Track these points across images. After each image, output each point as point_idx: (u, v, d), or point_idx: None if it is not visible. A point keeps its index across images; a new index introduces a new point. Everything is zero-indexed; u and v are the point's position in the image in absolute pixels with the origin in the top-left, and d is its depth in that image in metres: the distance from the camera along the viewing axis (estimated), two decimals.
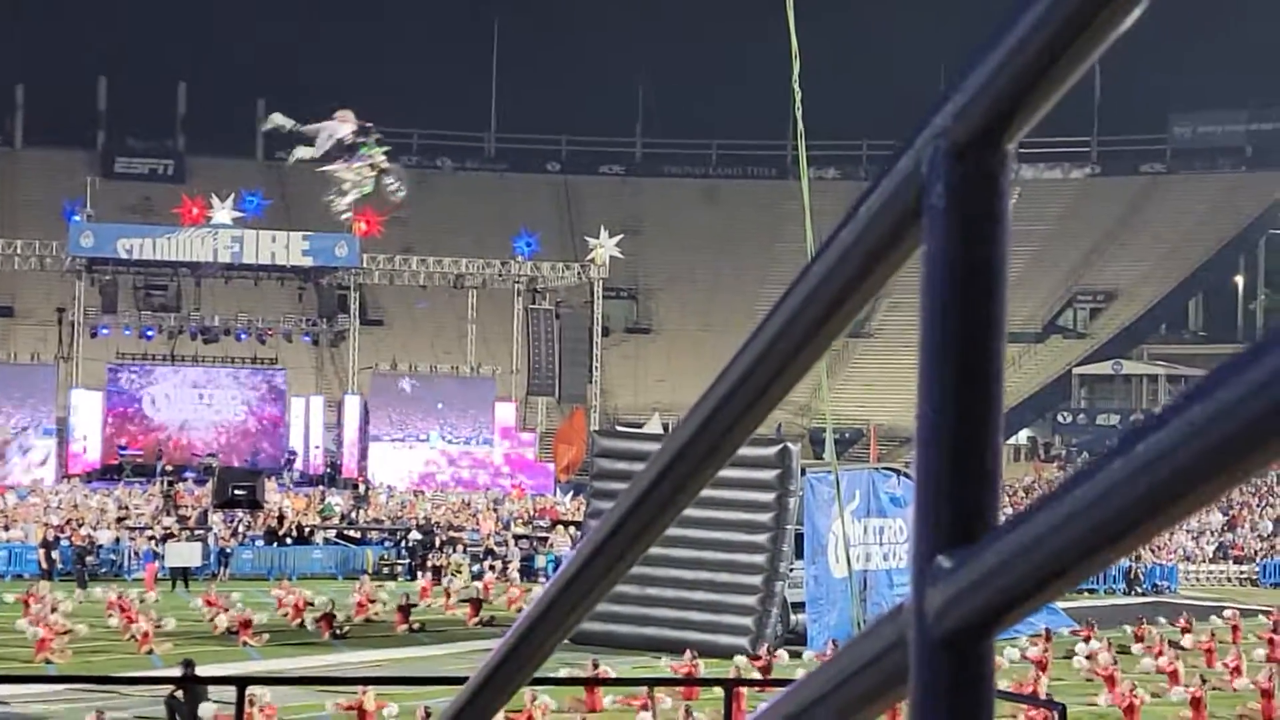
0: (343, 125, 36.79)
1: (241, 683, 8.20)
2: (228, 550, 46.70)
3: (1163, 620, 35.50)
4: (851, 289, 1.40)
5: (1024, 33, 1.18)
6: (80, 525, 47.58)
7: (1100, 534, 1.10)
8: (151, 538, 45.41)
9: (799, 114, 18.76)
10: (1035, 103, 1.21)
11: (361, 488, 60.46)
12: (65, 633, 31.97)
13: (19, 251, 66.61)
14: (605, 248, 69.82)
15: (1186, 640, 33.73)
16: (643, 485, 1.76)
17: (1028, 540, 1.16)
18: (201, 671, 25.61)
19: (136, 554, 45.22)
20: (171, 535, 45.87)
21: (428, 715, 21.77)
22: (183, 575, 43.45)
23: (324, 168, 37.32)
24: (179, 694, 24.45)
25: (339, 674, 29.22)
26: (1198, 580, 51.48)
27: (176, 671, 25.43)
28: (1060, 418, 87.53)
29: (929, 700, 1.25)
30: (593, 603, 2.02)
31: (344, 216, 40.89)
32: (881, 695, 1.38)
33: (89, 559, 43.47)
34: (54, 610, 33.49)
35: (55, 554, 43.87)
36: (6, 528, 47.47)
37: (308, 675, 28.23)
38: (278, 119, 38.85)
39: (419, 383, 68.96)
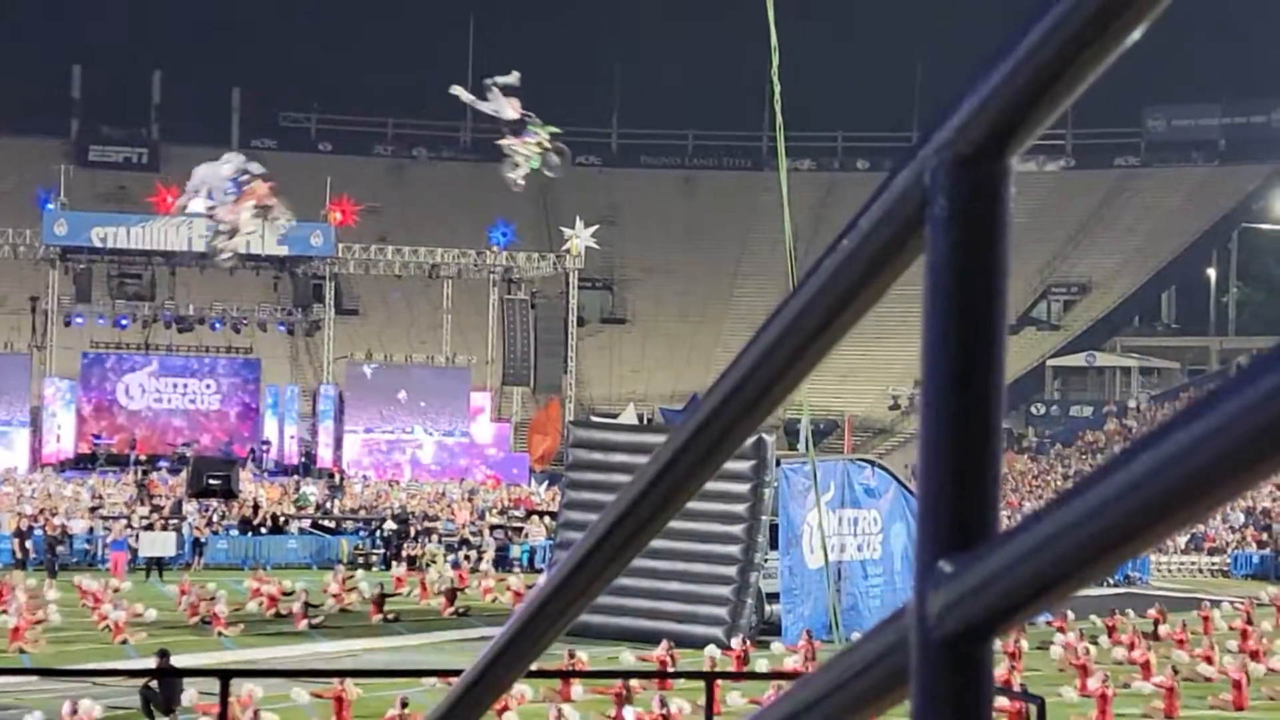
0: (510, 109, 37.82)
1: (225, 675, 8.21)
2: (202, 540, 46.64)
3: (1132, 612, 35.62)
4: (853, 295, 1.42)
5: (1028, 47, 1.20)
6: (54, 515, 47.47)
7: (1098, 543, 1.11)
8: (129, 527, 45.30)
9: (778, 107, 18.79)
10: (1037, 116, 1.23)
11: (336, 477, 60.42)
12: (38, 622, 31.91)
13: None
14: (581, 238, 69.82)
15: (1160, 631, 33.90)
16: (641, 484, 1.79)
17: (1028, 547, 1.18)
18: (176, 661, 25.58)
19: (109, 544, 45.16)
20: (151, 526, 45.76)
21: (404, 706, 21.77)
22: (157, 565, 43.37)
23: (499, 141, 38.53)
24: (154, 684, 24.43)
25: (316, 664, 29.23)
26: (1170, 571, 51.69)
27: (151, 661, 25.40)
28: (1034, 409, 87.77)
29: (929, 701, 1.28)
30: (587, 601, 2.04)
31: (517, 187, 41.96)
32: (882, 696, 1.40)
33: (59, 548, 43.34)
34: (31, 598, 33.41)
35: (29, 543, 43.78)
36: None
37: (289, 668, 28.19)
38: (458, 91, 40.22)
39: (393, 372, 68.89)
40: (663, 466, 1.75)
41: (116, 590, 36.76)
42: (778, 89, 17.81)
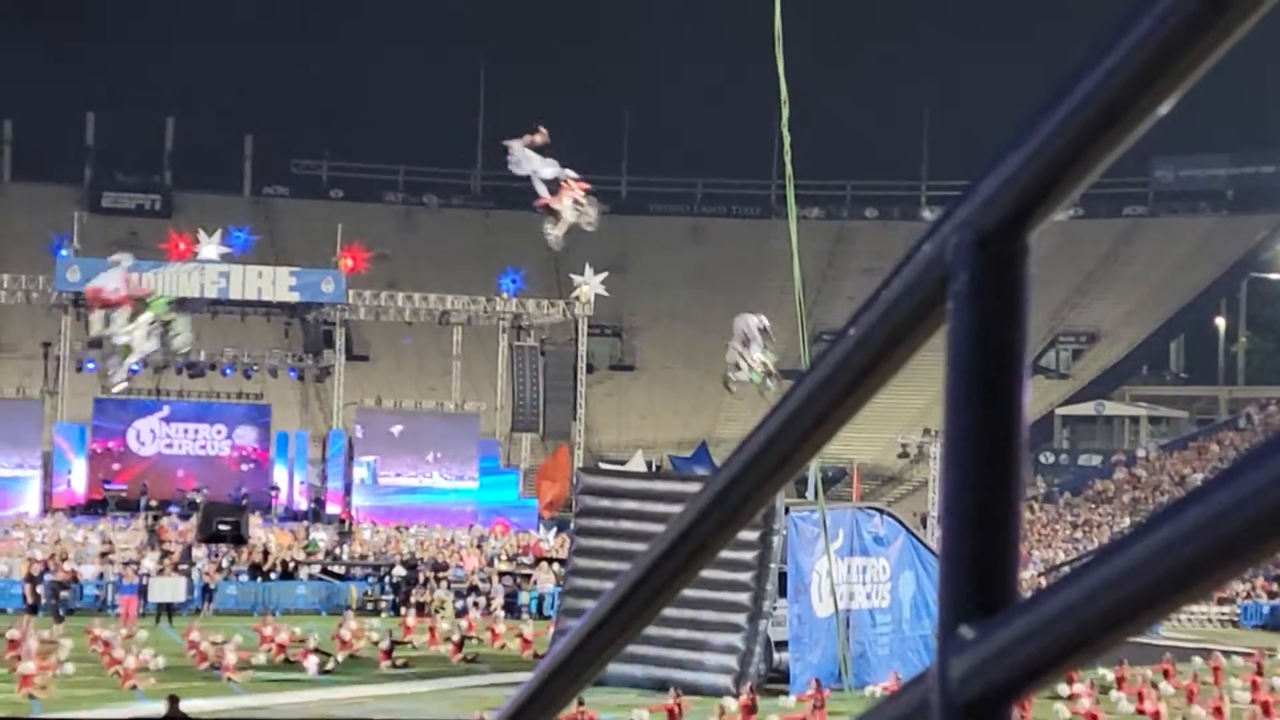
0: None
1: None
2: (212, 585, 46.64)
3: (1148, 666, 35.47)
4: (875, 366, 1.46)
5: (1049, 129, 1.24)
6: (64, 560, 47.50)
7: (1119, 612, 1.12)
8: (139, 573, 45.31)
9: (789, 158, 18.86)
10: (1057, 196, 1.27)
11: (345, 523, 60.40)
12: (47, 668, 31.88)
13: (5, 286, 66.58)
14: (590, 285, 69.96)
15: (1168, 683, 33.76)
16: (662, 546, 1.82)
17: (1048, 615, 1.21)
18: (186, 707, 25.56)
19: (120, 589, 45.17)
20: (161, 572, 45.76)
21: None
22: (167, 610, 43.37)
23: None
24: None
25: (325, 712, 29.20)
26: (1179, 622, 51.53)
27: (161, 707, 25.38)
28: (1043, 458, 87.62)
29: None
30: (605, 662, 2.07)
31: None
32: None
33: (63, 593, 43.36)
34: (43, 644, 33.37)
35: (39, 589, 43.80)
36: None
37: (298, 715, 28.18)
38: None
39: (402, 418, 68.94)
40: (685, 528, 1.78)
41: (129, 636, 36.71)
42: (788, 140, 17.88)
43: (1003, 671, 1.27)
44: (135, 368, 59.30)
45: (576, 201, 37.61)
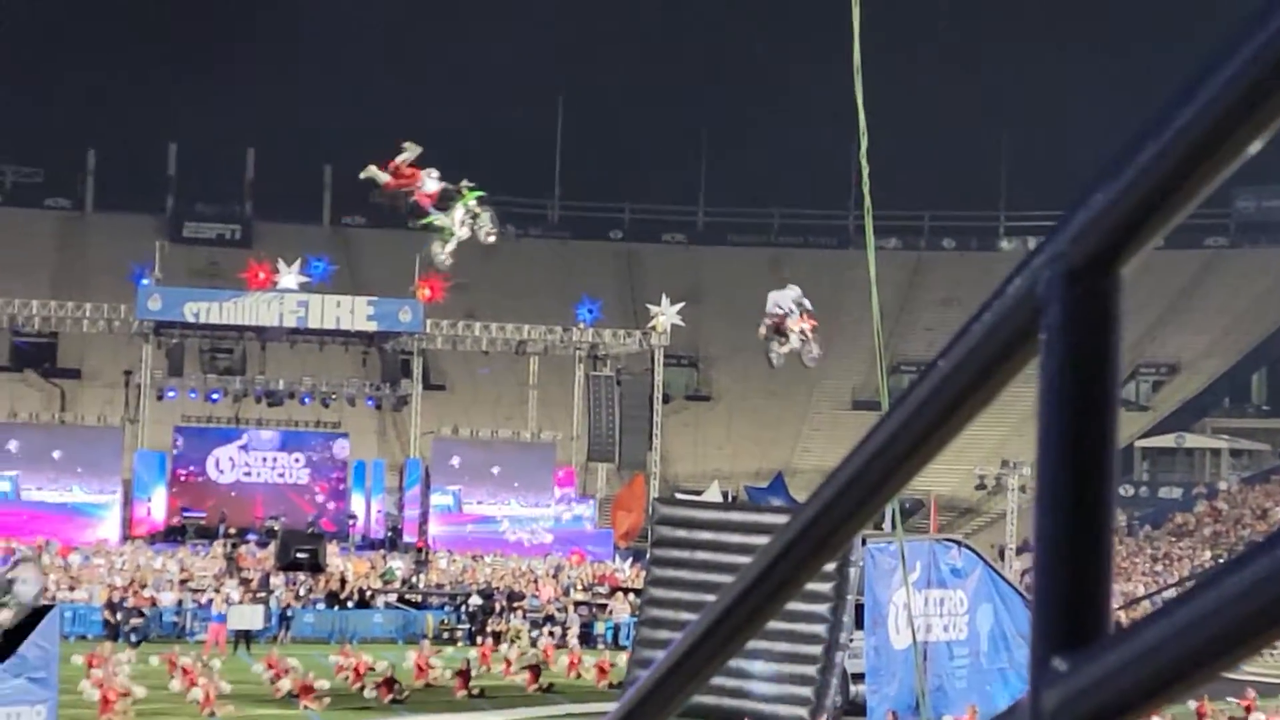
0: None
1: None
2: (289, 613, 46.90)
3: (1230, 699, 35.12)
4: (962, 401, 1.47)
5: (1143, 163, 1.25)
6: (143, 587, 47.93)
7: (1215, 646, 1.12)
8: (220, 598, 45.67)
9: (866, 189, 18.83)
10: (1150, 230, 1.28)
11: (422, 552, 60.61)
12: (126, 694, 32.09)
13: (88, 314, 67.31)
14: (667, 315, 70.04)
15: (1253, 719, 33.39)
16: (747, 580, 1.83)
17: (1143, 647, 1.21)
18: None
19: (198, 616, 45.54)
20: (240, 600, 46.09)
21: None
22: (245, 638, 43.65)
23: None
24: None
25: None
26: (1263, 655, 50.91)
27: None
28: (1123, 490, 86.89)
29: None
30: (691, 693, 2.07)
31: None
32: None
33: (134, 620, 43.73)
34: (117, 673, 33.61)
35: (119, 615, 44.19)
36: (71, 588, 47.82)
37: None
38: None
39: (479, 447, 69.18)
40: (771, 561, 1.79)
41: (205, 665, 36.91)
42: (866, 170, 17.84)
43: (1096, 704, 1.27)
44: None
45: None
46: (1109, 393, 1.31)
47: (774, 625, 33.46)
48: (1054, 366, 1.32)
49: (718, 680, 33.03)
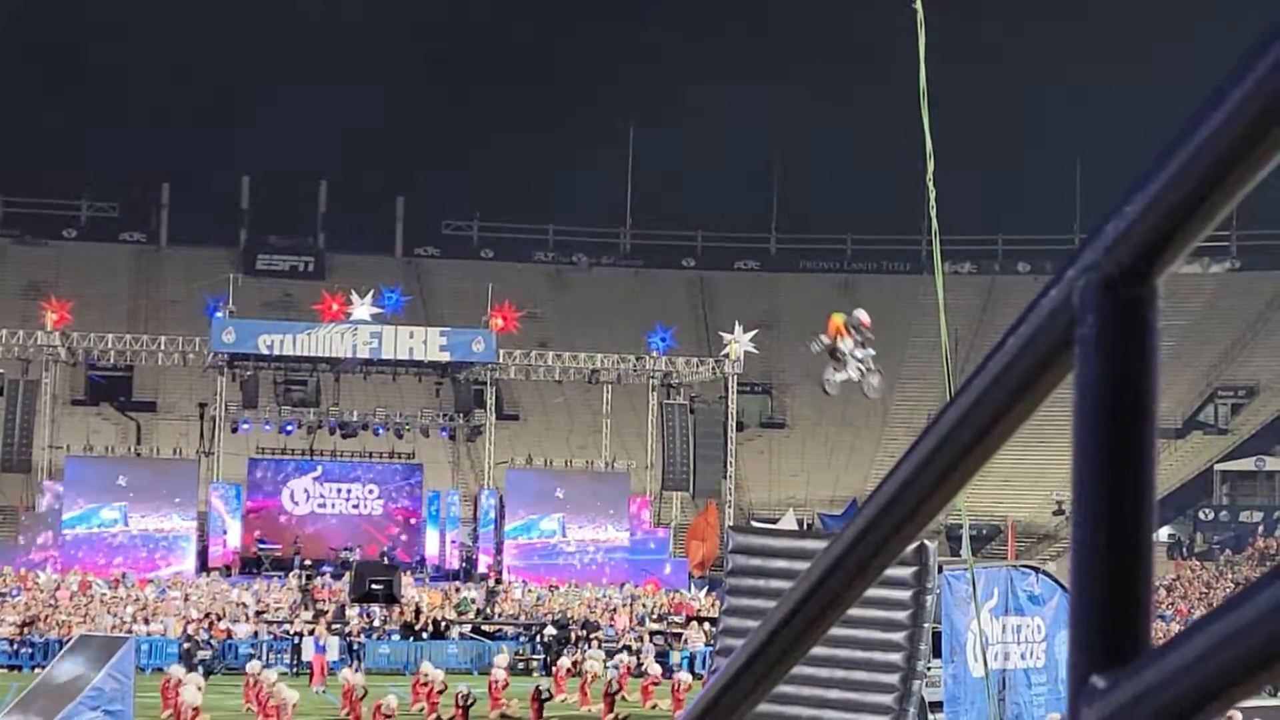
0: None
1: None
2: (356, 646, 47.04)
3: None
4: (1002, 414, 1.45)
5: (1174, 171, 1.23)
6: (219, 619, 48.20)
7: (1254, 658, 1.12)
8: (311, 632, 45.88)
9: (933, 213, 18.75)
10: (1184, 239, 1.25)
11: (497, 582, 60.68)
12: (197, 713, 32.12)
13: (163, 348, 67.88)
14: (740, 343, 69.99)
15: None
16: (790, 604, 1.81)
17: (1181, 663, 1.19)
18: None
19: (273, 648, 45.78)
20: (314, 632, 46.28)
21: None
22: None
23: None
24: None
25: None
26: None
27: None
28: (1202, 514, 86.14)
29: None
30: (744, 713, 2.05)
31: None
32: None
33: (201, 652, 44.03)
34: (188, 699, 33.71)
35: (193, 646, 44.47)
36: (147, 621, 48.12)
37: None
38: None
39: (554, 478, 69.26)
40: (819, 578, 1.78)
41: (280, 708, 36.87)
42: (933, 194, 17.76)
43: None
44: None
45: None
46: (1146, 404, 1.29)
47: (850, 654, 33.27)
48: (1089, 378, 1.30)
49: (795, 711, 32.88)
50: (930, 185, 18.42)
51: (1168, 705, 1.22)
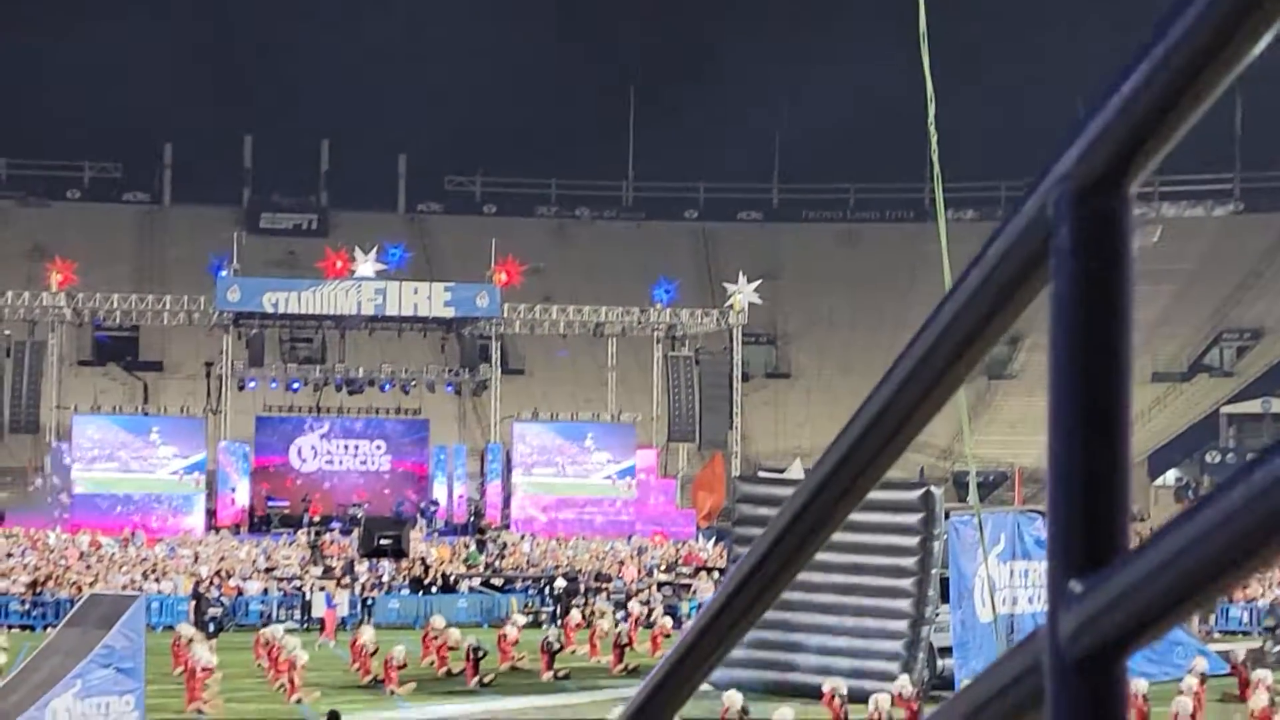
0: None
1: None
2: (372, 600, 47.18)
3: None
4: (981, 328, 1.46)
5: (1141, 77, 1.24)
6: (229, 576, 48.33)
7: (1226, 557, 1.11)
8: (321, 588, 46.03)
9: (935, 157, 18.69)
10: (1154, 146, 1.26)
11: (504, 536, 60.80)
12: (209, 671, 32.20)
13: (168, 307, 67.94)
14: (744, 294, 69.96)
15: None
16: (779, 526, 1.82)
17: (1157, 564, 1.20)
18: None
19: (283, 604, 45.94)
20: (324, 587, 46.41)
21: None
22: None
23: None
24: None
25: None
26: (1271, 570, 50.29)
27: None
28: (1209, 457, 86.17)
29: None
30: (731, 644, 2.07)
31: None
32: (1018, 718, 1.42)
33: (211, 610, 44.17)
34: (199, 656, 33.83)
35: (203, 604, 44.60)
36: (158, 579, 48.25)
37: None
38: None
39: (558, 430, 69.33)
40: (799, 508, 1.79)
41: (292, 664, 36.90)
42: (934, 138, 17.70)
43: (1114, 624, 1.26)
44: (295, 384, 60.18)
45: None
46: (1122, 313, 1.30)
47: (859, 601, 33.40)
48: (1065, 289, 1.31)
49: (805, 658, 33.02)
50: (932, 130, 18.37)
51: (1146, 605, 1.23)
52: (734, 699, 26.87)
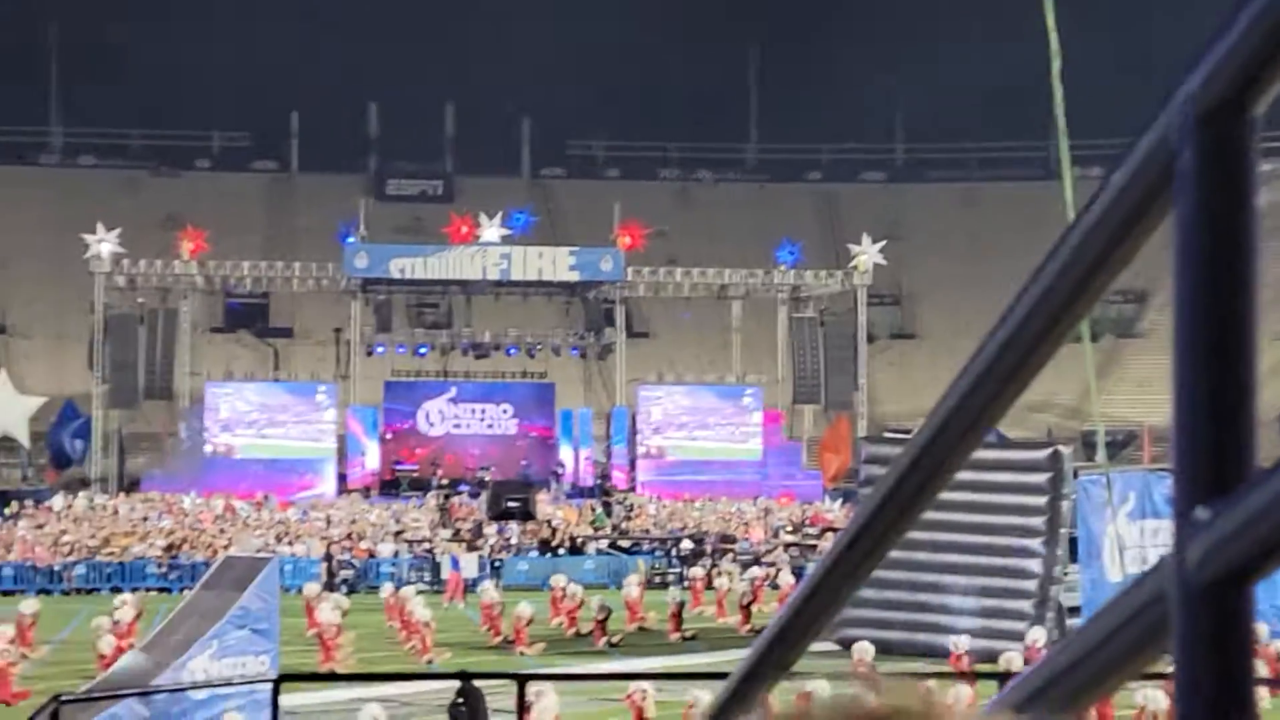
0: None
1: (521, 679, 8.42)
2: (500, 562, 47.53)
3: None
4: (1107, 254, 1.46)
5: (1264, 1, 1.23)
6: (360, 539, 48.88)
7: None
8: (430, 550, 46.41)
9: (1059, 112, 18.44)
10: (1277, 69, 1.25)
11: (631, 498, 60.97)
12: (339, 632, 32.59)
13: (297, 274, 68.67)
14: (868, 254, 69.61)
15: None
16: (913, 451, 1.83)
17: None
18: (479, 681, 25.98)
19: (413, 566, 46.42)
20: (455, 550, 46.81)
21: (691, 707, 21.88)
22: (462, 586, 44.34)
23: None
24: (462, 706, 24.94)
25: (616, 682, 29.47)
26: None
27: (454, 681, 25.89)
28: None
29: (1191, 648, 1.30)
30: (847, 595, 2.08)
31: None
32: (1144, 648, 1.42)
33: (344, 571, 44.70)
34: (332, 619, 34.23)
35: (334, 566, 45.18)
36: (290, 542, 48.88)
37: (583, 674, 28.51)
38: None
39: (684, 392, 69.40)
40: (935, 430, 1.79)
41: (423, 624, 37.13)
42: (1059, 93, 17.45)
43: (1241, 549, 1.25)
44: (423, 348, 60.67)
45: None
46: (1247, 235, 1.29)
47: (988, 561, 33.20)
48: (1188, 213, 1.30)
49: (931, 618, 32.89)
50: (1056, 84, 18.11)
51: (1270, 531, 1.22)
52: (865, 649, 26.87)
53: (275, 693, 10.77)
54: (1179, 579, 1.32)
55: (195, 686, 22.82)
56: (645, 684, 22.95)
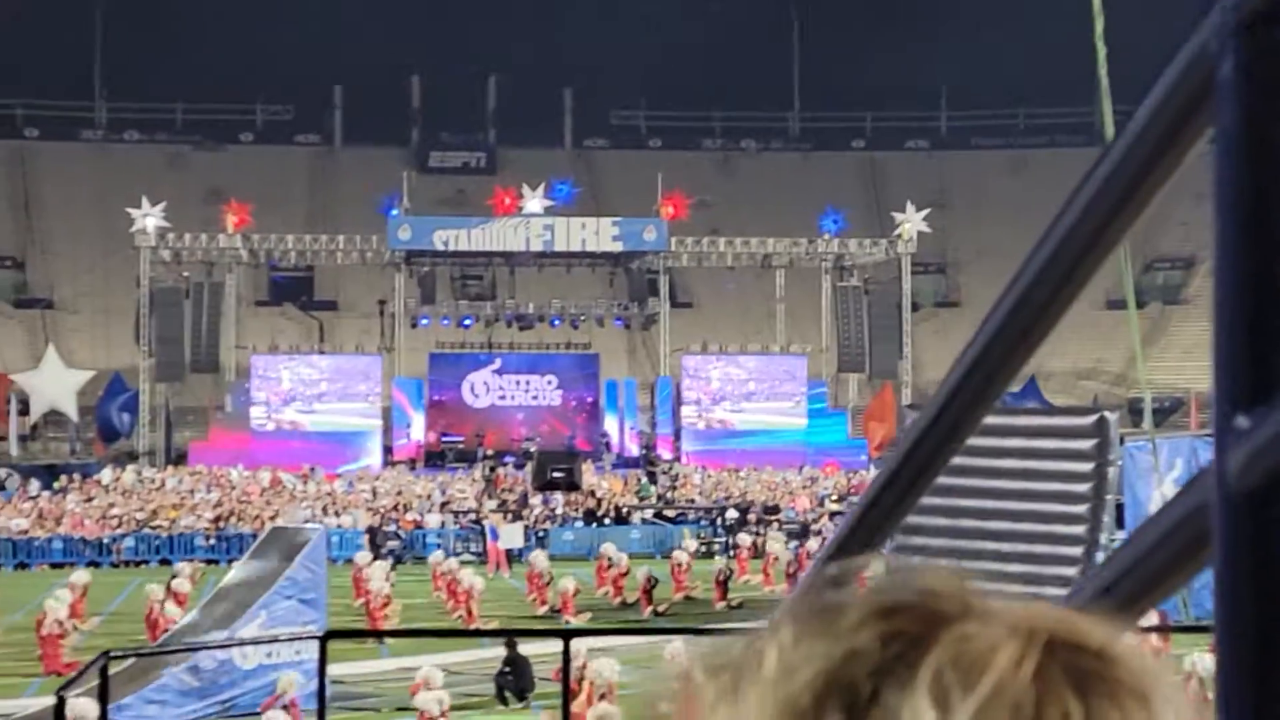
0: None
1: (567, 635, 8.46)
2: (545, 532, 47.64)
3: None
4: (1149, 170, 1.45)
5: None
6: (406, 510, 49.06)
7: None
8: (479, 520, 46.55)
9: (1103, 73, 18.27)
10: None
11: (676, 468, 61.00)
12: (388, 603, 32.74)
13: (341, 246, 68.85)
14: (913, 222, 69.38)
15: None
16: (954, 380, 1.83)
17: None
18: (525, 650, 26.09)
19: (459, 537, 46.60)
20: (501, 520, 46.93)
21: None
22: (506, 556, 44.47)
23: None
24: (508, 671, 25.07)
25: (657, 651, 29.53)
26: None
27: (502, 650, 26.03)
28: None
29: (1233, 558, 1.30)
30: (880, 541, 2.08)
31: None
32: (1185, 560, 1.43)
33: (390, 542, 44.88)
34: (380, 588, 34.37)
35: (380, 537, 45.36)
36: (337, 514, 49.10)
37: (627, 629, 28.54)
38: None
39: (729, 363, 69.35)
40: (975, 358, 1.80)
41: (469, 594, 37.26)
42: (1102, 53, 17.30)
43: None
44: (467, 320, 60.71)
45: None
46: None
47: (1032, 527, 33.08)
48: (1229, 125, 1.30)
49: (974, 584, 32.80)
50: (1100, 45, 17.96)
51: None
52: None
53: (323, 650, 10.82)
54: (1219, 488, 1.31)
55: (244, 644, 23.00)
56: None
